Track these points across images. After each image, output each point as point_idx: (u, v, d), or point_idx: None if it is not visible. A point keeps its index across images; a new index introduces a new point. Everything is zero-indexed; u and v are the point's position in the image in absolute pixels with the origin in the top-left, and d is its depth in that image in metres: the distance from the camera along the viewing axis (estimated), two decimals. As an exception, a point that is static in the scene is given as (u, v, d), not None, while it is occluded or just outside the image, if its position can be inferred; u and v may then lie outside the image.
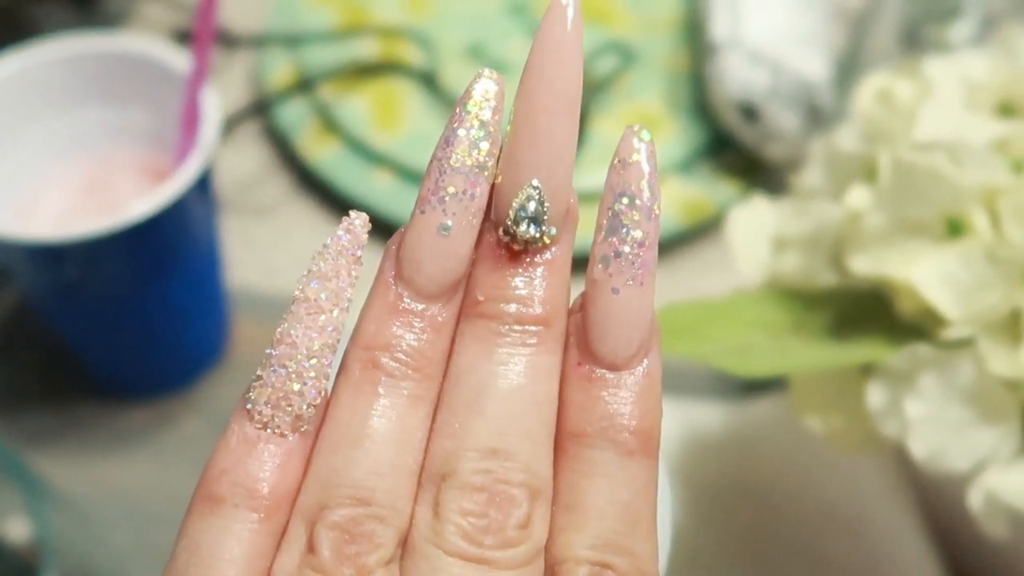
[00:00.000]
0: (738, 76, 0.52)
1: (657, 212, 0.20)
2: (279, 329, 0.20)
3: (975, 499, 0.33)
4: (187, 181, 0.40)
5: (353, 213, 0.21)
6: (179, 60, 0.43)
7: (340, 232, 0.20)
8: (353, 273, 0.20)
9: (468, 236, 0.20)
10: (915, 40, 0.54)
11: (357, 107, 0.57)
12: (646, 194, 0.20)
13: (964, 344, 0.33)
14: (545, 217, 0.20)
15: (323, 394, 0.20)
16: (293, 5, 0.62)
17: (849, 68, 0.55)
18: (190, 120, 0.42)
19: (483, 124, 0.20)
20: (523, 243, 0.20)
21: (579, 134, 0.54)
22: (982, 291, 0.32)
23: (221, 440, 0.20)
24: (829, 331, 0.36)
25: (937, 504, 0.42)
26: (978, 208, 0.33)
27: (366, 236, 0.20)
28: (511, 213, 0.20)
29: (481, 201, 0.20)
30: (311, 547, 0.19)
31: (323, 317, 0.20)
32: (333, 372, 0.20)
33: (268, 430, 0.20)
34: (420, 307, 0.20)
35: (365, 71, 0.58)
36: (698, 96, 0.57)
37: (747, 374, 0.35)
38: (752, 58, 0.52)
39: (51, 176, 0.46)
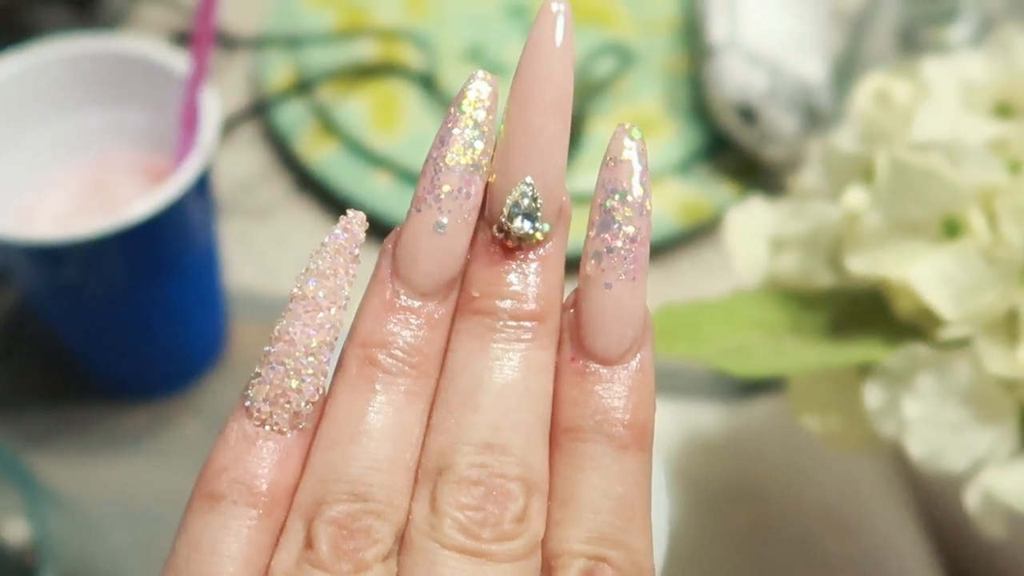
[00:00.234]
0: (736, 78, 0.52)
1: (648, 208, 0.20)
2: (277, 326, 0.20)
3: (972, 499, 0.33)
4: (186, 182, 0.40)
5: (350, 212, 0.21)
6: (178, 61, 0.43)
7: (338, 231, 0.20)
8: (351, 271, 0.20)
9: (463, 234, 0.20)
10: (913, 41, 0.54)
11: (356, 108, 0.57)
12: (637, 190, 0.20)
13: (961, 344, 0.33)
14: (539, 213, 0.20)
15: (321, 391, 0.20)
16: (292, 7, 0.62)
17: (847, 69, 0.55)
18: (189, 121, 0.42)
19: (477, 124, 0.20)
20: (517, 239, 0.20)
21: (576, 135, 0.55)
22: (979, 291, 0.32)
23: (220, 437, 0.20)
24: (827, 331, 0.36)
25: (934, 504, 0.42)
26: (975, 208, 0.33)
27: (363, 235, 0.21)
28: (505, 210, 0.20)
29: (476, 199, 0.20)
30: (309, 543, 0.19)
31: (321, 315, 0.20)
32: (331, 369, 0.21)
33: (267, 427, 0.20)
34: (416, 304, 0.20)
35: (364, 73, 0.58)
36: (696, 97, 0.57)
37: (745, 374, 0.35)
38: (750, 60, 0.52)
39: (50, 177, 0.46)
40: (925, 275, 0.33)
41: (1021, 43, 0.38)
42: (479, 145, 0.20)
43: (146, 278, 0.43)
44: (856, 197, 0.36)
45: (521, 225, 0.20)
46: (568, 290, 0.21)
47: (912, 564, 0.42)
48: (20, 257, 0.41)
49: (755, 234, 0.39)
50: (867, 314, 0.36)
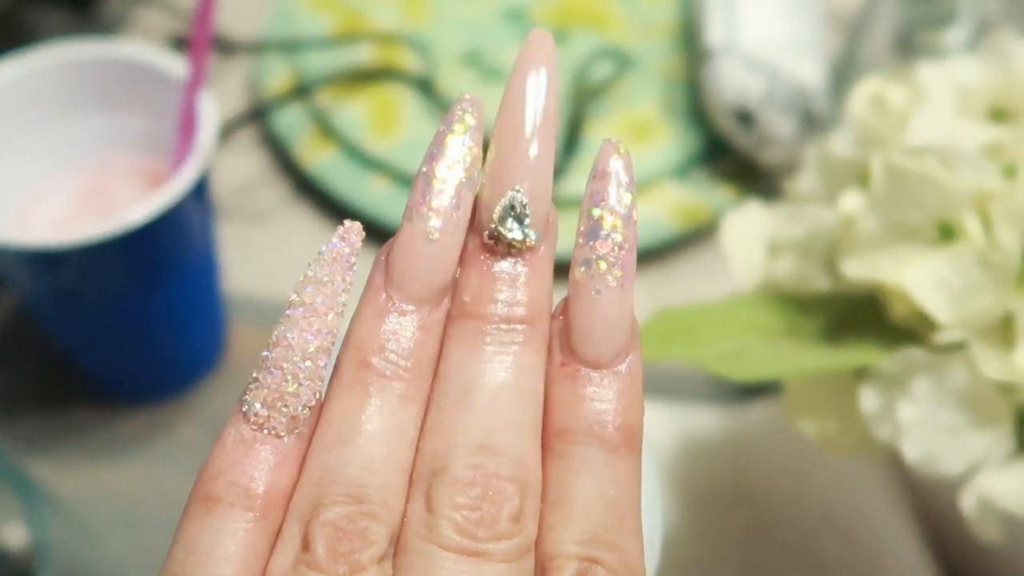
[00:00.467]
0: (733, 82, 0.52)
1: (635, 217, 0.21)
2: (275, 332, 0.21)
3: (968, 502, 0.33)
4: (184, 187, 0.40)
5: (347, 222, 0.21)
6: (176, 66, 0.43)
7: (335, 240, 0.21)
8: (347, 279, 0.21)
9: (454, 241, 0.21)
10: (909, 46, 0.54)
11: (354, 113, 0.57)
12: (625, 199, 0.21)
13: (957, 348, 0.33)
14: (527, 219, 0.21)
15: (318, 396, 0.21)
16: (290, 11, 0.62)
17: (844, 74, 0.55)
18: (187, 126, 0.42)
19: (466, 140, 0.21)
20: (507, 245, 0.21)
21: (574, 139, 0.55)
22: (974, 295, 0.32)
23: (218, 441, 0.20)
24: (823, 335, 0.37)
25: (931, 507, 0.42)
26: (970, 213, 0.33)
27: (360, 244, 0.21)
28: (495, 215, 0.21)
29: (466, 211, 0.21)
30: (306, 545, 0.19)
31: (318, 321, 0.21)
32: (328, 375, 0.21)
33: (264, 431, 0.20)
34: (410, 309, 0.21)
35: (362, 77, 0.58)
36: (694, 102, 0.57)
37: (741, 378, 0.35)
38: (747, 64, 0.52)
39: (49, 182, 0.46)
40: (920, 279, 0.33)
41: (1016, 48, 0.38)
42: (468, 161, 0.21)
43: (144, 282, 0.43)
44: (852, 201, 0.36)
45: (511, 227, 0.21)
46: (557, 299, 0.22)
47: (908, 567, 0.42)
48: (18, 261, 0.41)
49: (752, 238, 0.39)
50: (863, 318, 0.36)
